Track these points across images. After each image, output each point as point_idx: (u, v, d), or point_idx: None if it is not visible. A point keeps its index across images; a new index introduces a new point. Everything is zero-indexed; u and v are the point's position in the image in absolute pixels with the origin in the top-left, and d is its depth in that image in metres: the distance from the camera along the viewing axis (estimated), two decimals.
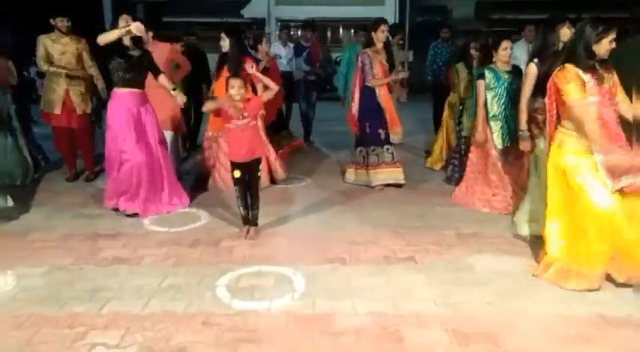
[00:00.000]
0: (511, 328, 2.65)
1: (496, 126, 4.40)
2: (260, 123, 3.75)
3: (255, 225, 3.89)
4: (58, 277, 3.22)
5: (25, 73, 8.89)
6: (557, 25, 3.70)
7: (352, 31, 14.69)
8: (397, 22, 13.60)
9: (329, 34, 17.18)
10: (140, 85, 4.30)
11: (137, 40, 4.26)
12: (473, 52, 5.32)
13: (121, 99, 4.22)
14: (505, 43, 4.30)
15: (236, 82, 3.66)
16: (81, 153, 5.56)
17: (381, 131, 5.11)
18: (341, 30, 17.34)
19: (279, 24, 16.20)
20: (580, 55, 2.97)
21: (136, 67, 4.23)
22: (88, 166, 5.53)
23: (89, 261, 3.45)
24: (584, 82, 2.94)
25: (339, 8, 15.81)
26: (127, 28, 3.90)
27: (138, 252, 3.60)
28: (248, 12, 16.58)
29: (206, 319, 2.72)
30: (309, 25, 7.56)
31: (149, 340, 2.54)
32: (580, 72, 2.96)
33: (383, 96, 5.11)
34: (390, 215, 4.40)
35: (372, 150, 5.12)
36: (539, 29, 3.97)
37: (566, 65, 2.98)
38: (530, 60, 3.74)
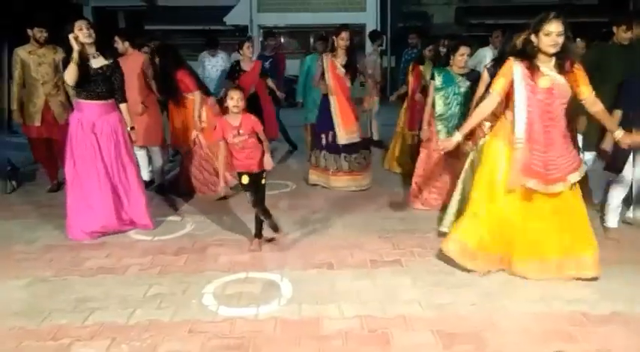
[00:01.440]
0: (495, 328, 2.68)
1: (441, 126, 4.53)
2: (262, 136, 3.67)
3: (260, 237, 3.83)
4: (41, 289, 3.17)
5: None
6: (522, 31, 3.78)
7: (312, 40, 14.80)
8: (377, 29, 13.71)
9: (311, 40, 17.24)
10: (103, 96, 3.99)
11: (105, 49, 4.02)
12: (427, 54, 5.60)
13: (80, 111, 4.01)
14: (462, 49, 4.43)
15: (235, 94, 3.53)
16: (62, 164, 5.48)
17: (322, 136, 5.28)
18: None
19: (261, 31, 16.22)
20: (522, 48, 3.04)
21: (97, 79, 3.93)
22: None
23: (73, 272, 3.41)
24: (514, 76, 3.03)
25: (322, 14, 15.90)
26: (74, 43, 3.72)
27: (122, 262, 3.57)
28: (230, 19, 16.58)
29: (192, 327, 2.71)
30: (271, 34, 7.43)
31: (135, 350, 2.51)
32: (515, 67, 3.02)
33: (335, 101, 5.19)
34: (375, 219, 4.43)
35: (322, 155, 5.34)
36: (505, 35, 4.08)
37: (510, 58, 3.08)
38: (490, 65, 3.85)
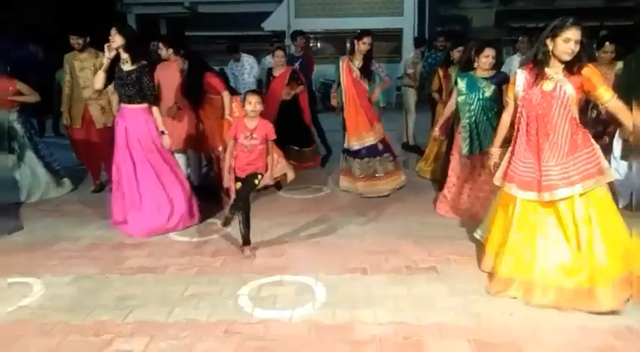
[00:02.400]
0: (534, 339, 2.61)
1: (464, 133, 4.41)
2: (271, 147, 3.72)
3: (248, 244, 3.78)
4: (85, 286, 3.30)
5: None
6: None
7: (348, 45, 14.65)
8: (415, 33, 13.64)
9: (348, 45, 17.27)
10: (134, 100, 4.13)
11: (135, 53, 4.09)
12: (455, 55, 5.49)
13: (119, 115, 4.26)
14: (487, 51, 4.26)
15: (253, 98, 3.59)
16: (104, 166, 5.68)
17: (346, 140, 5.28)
18: None
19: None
20: (534, 53, 2.94)
21: (127, 82, 4.08)
22: (110, 178, 5.65)
23: (114, 270, 3.53)
24: (517, 85, 3.00)
25: (358, 19, 15.87)
26: (107, 49, 3.98)
27: (162, 261, 3.66)
28: (268, 25, 16.79)
29: (228, 327, 2.75)
30: (300, 34, 7.23)
31: (173, 348, 2.58)
32: (519, 75, 2.99)
33: (347, 107, 5.18)
34: (411, 224, 4.39)
35: (347, 160, 5.33)
36: (532, 40, 3.95)
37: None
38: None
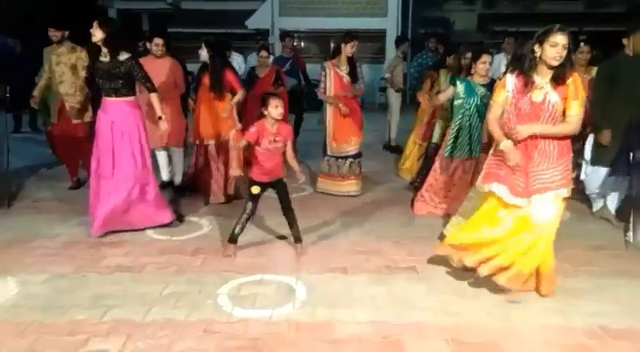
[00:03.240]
0: (512, 338, 2.65)
1: (451, 134, 4.49)
2: (289, 146, 3.74)
3: (300, 241, 3.81)
4: (60, 284, 3.23)
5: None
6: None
7: (332, 44, 14.67)
8: (398, 34, 13.69)
9: (332, 45, 17.27)
10: (120, 93, 4.04)
11: (114, 46, 3.97)
12: (450, 63, 5.49)
13: (102, 109, 4.12)
14: (484, 57, 4.34)
15: (279, 102, 3.55)
16: (82, 162, 5.58)
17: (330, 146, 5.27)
18: None
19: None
20: (521, 59, 2.98)
21: (113, 75, 3.99)
22: (89, 173, 5.54)
23: (91, 269, 3.47)
24: (507, 90, 3.02)
25: (342, 19, 15.92)
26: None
27: (140, 260, 3.61)
28: (252, 23, 16.72)
29: (207, 327, 2.73)
30: (288, 35, 7.25)
31: (151, 347, 2.54)
32: (509, 79, 3.00)
33: (330, 109, 5.18)
34: (391, 225, 4.41)
35: (327, 160, 5.33)
36: (519, 42, 4.01)
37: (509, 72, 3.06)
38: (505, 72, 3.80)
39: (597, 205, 4.55)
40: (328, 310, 2.91)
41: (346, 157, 5.23)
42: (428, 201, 4.67)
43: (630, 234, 3.97)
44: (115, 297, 3.05)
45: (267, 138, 3.56)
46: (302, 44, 17.10)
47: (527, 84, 2.93)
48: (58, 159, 5.94)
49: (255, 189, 3.65)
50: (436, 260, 3.62)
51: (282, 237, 4.07)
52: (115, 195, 4.04)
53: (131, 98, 4.11)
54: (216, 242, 3.98)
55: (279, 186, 3.73)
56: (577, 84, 2.89)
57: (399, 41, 8.02)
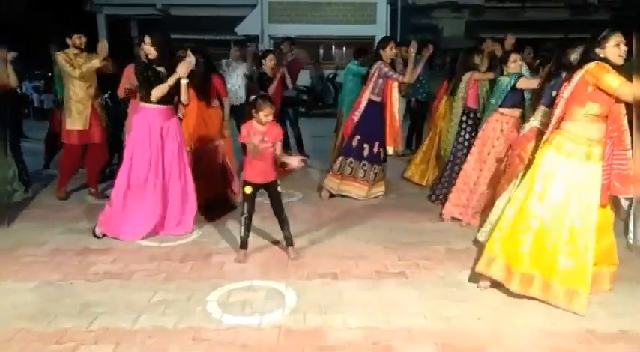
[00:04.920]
0: (501, 342, 2.66)
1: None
2: (278, 146, 3.73)
3: (292, 244, 3.82)
4: (48, 292, 3.20)
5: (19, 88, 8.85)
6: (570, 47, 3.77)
7: (321, 51, 14.76)
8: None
9: (321, 51, 17.36)
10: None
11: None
12: (478, 60, 5.30)
13: (142, 116, 4.12)
14: (514, 56, 4.37)
15: (267, 106, 3.57)
16: (88, 169, 5.47)
17: (365, 146, 5.26)
18: (333, 48, 17.53)
19: (271, 41, 16.37)
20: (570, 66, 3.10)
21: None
22: (94, 181, 5.47)
23: (79, 276, 3.43)
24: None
25: (332, 26, 16.03)
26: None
27: (129, 267, 3.58)
28: (242, 29, 16.74)
29: (196, 334, 2.71)
30: (287, 41, 7.43)
31: None
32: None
33: (390, 109, 5.24)
34: (381, 230, 4.42)
35: (350, 163, 5.30)
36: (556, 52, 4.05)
37: (597, 62, 2.95)
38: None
39: None
40: (318, 316, 2.91)
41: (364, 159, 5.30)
42: (461, 204, 4.60)
43: (631, 235, 4.01)
44: (103, 305, 3.02)
45: (257, 137, 3.59)
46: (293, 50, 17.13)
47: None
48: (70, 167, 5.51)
49: (248, 189, 3.67)
50: (426, 265, 3.64)
51: (272, 243, 4.07)
52: (152, 202, 4.11)
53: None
54: (205, 248, 3.96)
55: (271, 189, 3.74)
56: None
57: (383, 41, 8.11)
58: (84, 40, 5.11)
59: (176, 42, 4.92)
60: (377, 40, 15.45)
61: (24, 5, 12.54)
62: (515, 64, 4.34)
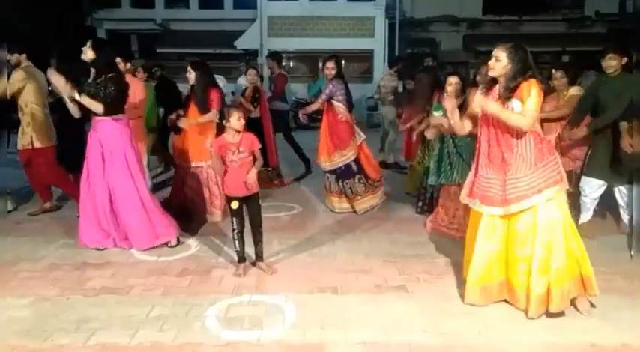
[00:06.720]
0: None
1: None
2: (257, 154, 3.71)
3: (261, 259, 3.79)
4: (44, 308, 3.16)
5: None
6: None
7: (320, 64, 14.79)
8: (385, 55, 13.97)
9: (320, 65, 17.46)
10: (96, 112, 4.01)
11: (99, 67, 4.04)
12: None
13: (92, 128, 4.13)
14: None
15: (238, 113, 3.59)
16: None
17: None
18: None
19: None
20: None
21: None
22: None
23: (76, 291, 3.40)
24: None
25: (330, 40, 16.14)
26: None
27: (126, 282, 3.55)
28: (241, 43, 16.87)
29: (195, 350, 2.68)
30: (272, 56, 7.42)
31: None
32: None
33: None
34: (381, 243, 4.39)
35: (327, 178, 5.36)
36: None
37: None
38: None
39: (584, 217, 4.55)
40: (318, 330, 2.88)
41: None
42: (443, 221, 4.58)
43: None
44: (100, 320, 2.99)
45: (230, 150, 3.57)
46: (291, 64, 17.28)
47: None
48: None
49: (235, 204, 3.65)
50: (426, 278, 3.61)
51: (270, 256, 4.04)
52: (102, 214, 4.12)
53: (110, 117, 4.07)
54: (203, 262, 3.93)
55: (250, 201, 3.69)
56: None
57: (391, 62, 8.33)
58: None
59: (176, 56, 4.93)
60: (376, 54, 15.59)
61: (24, 20, 12.59)
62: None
